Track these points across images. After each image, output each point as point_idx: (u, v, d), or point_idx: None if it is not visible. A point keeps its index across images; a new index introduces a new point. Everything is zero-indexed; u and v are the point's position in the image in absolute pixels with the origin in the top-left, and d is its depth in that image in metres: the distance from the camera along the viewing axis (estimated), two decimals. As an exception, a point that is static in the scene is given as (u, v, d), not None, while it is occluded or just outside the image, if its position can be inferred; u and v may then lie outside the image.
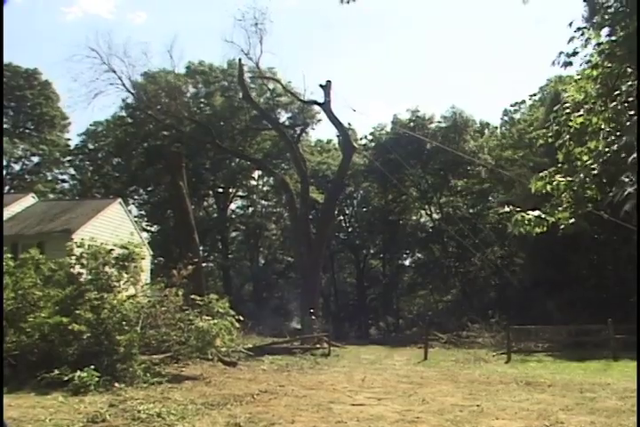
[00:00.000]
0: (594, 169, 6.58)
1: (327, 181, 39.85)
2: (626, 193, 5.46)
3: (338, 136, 45.20)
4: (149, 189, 41.33)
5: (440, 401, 8.82)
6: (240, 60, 30.06)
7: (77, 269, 12.49)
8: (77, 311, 10.75)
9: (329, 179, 40.59)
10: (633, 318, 17.73)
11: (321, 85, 29.26)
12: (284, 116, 40.94)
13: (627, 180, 5.58)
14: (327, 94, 28.88)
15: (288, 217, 38.05)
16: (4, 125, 36.22)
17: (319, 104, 30.43)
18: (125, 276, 12.47)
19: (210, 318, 12.38)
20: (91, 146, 41.99)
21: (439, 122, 37.74)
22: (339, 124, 30.03)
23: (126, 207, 27.15)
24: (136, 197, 42.43)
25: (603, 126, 6.85)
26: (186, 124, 37.91)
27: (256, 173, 43.26)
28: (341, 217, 43.21)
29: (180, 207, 18.00)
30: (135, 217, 35.46)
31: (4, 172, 37.75)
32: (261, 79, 36.31)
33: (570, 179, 6.88)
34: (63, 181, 43.68)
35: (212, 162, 39.48)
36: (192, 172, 32.64)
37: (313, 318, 20.96)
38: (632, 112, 6.14)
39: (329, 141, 46.60)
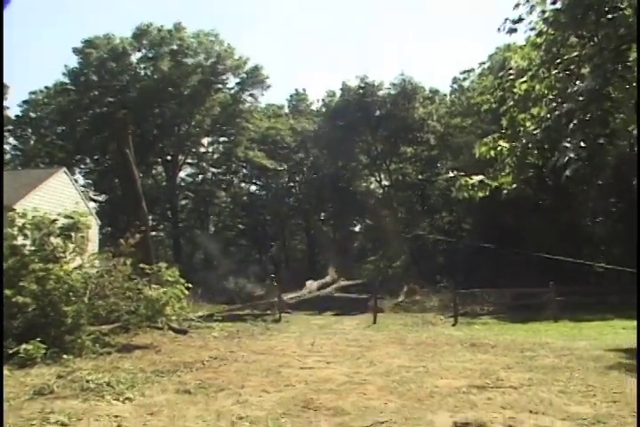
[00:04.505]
0: (536, 135, 6.70)
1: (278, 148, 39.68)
2: (567, 159, 5.58)
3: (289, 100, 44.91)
4: (96, 157, 40.18)
5: (387, 363, 9.04)
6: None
7: (20, 240, 12.10)
8: (21, 283, 10.46)
9: (280, 145, 40.32)
10: (572, 281, 18.55)
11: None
12: (232, 81, 40.27)
13: (568, 145, 5.70)
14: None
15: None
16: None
17: None
18: (71, 246, 12.15)
19: (159, 286, 12.26)
20: (33, 115, 40.35)
21: (388, 89, 37.68)
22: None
23: (72, 177, 26.38)
24: (82, 166, 41.21)
25: (546, 93, 6.96)
26: (132, 90, 36.85)
27: (205, 140, 42.60)
28: (291, 183, 43.14)
29: (127, 176, 17.49)
30: (82, 186, 34.52)
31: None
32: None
33: (513, 144, 7.00)
34: (4, 151, 42.04)
35: (159, 129, 38.54)
36: (139, 139, 31.83)
37: (275, 283, 20.90)
38: (575, 81, 6.23)
39: (281, 106, 46.15)
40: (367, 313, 19.30)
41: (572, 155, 5.66)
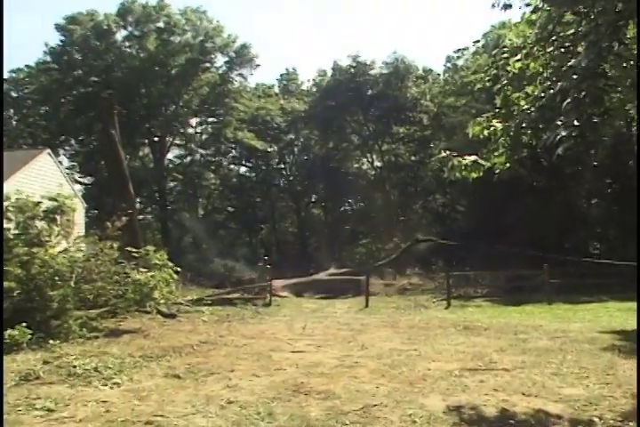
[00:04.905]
0: (530, 114, 6.67)
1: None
2: (559, 137, 5.57)
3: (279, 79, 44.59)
4: (80, 138, 39.77)
5: (379, 347, 9.10)
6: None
7: (4, 223, 12.02)
8: (6, 268, 10.41)
9: (269, 125, 40.11)
10: (566, 263, 18.64)
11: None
12: (220, 60, 39.88)
13: (559, 123, 5.68)
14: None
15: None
16: None
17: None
18: (56, 229, 12.09)
19: (147, 270, 12.24)
20: (14, 94, 39.80)
21: (381, 68, 37.47)
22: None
23: (56, 158, 26.11)
24: (67, 147, 40.75)
25: (541, 71, 6.91)
26: (117, 70, 36.39)
27: (193, 121, 42.28)
28: (282, 165, 43.00)
29: (113, 157, 17.34)
30: (66, 168, 34.25)
31: None
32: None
33: (507, 124, 6.97)
34: (-16, 132, 41.50)
35: (146, 109, 38.18)
36: (126, 120, 31.50)
37: (268, 266, 20.93)
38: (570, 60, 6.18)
39: (271, 86, 45.81)
40: (359, 296, 19.38)
41: (563, 133, 5.64)
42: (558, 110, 5.89)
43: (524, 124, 6.87)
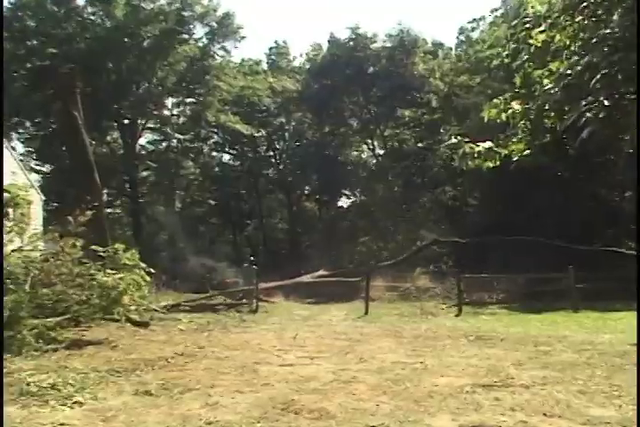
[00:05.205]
0: (554, 94, 6.65)
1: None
2: (584, 119, 5.56)
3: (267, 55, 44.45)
4: (37, 120, 39.49)
5: (380, 359, 9.09)
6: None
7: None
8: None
9: (257, 107, 40.03)
10: (596, 265, 18.66)
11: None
12: (200, 32, 39.71)
13: (584, 103, 5.67)
14: None
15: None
16: None
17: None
18: (8, 225, 12.05)
19: (115, 272, 12.21)
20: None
21: (384, 41, 37.44)
22: None
23: (8, 143, 25.97)
24: (21, 130, 40.45)
25: (568, 44, 6.89)
26: (79, 40, 36.05)
27: (169, 101, 42.12)
28: (271, 152, 42.95)
29: (76, 142, 17.28)
30: (21, 155, 34.05)
31: None
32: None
33: (527, 105, 6.96)
34: None
35: (115, 87, 37.93)
36: (90, 99, 31.31)
37: (254, 267, 20.93)
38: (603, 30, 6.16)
39: (258, 62, 45.69)
40: (358, 301, 19.41)
41: (589, 114, 5.63)
42: (586, 89, 5.89)
43: (546, 106, 6.85)
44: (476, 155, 6.94)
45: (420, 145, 39.19)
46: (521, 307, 17.85)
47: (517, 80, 7.46)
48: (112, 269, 12.23)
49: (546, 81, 7.04)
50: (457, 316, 16.65)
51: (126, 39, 36.82)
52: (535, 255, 21.54)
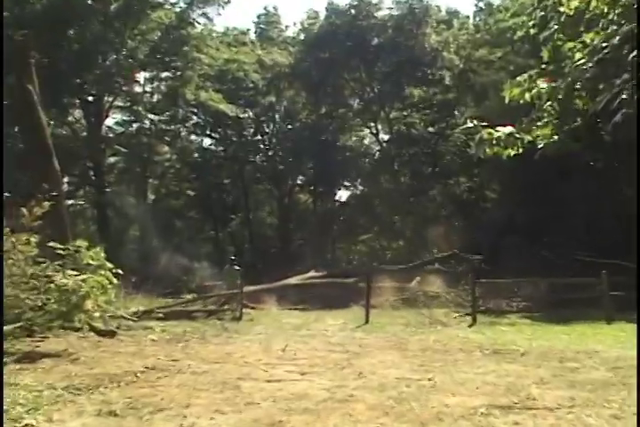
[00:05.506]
0: (588, 70, 6.62)
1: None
2: (619, 100, 5.53)
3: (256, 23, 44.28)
4: (-15, 96, 39.42)
5: (382, 375, 9.08)
6: None
7: None
8: None
9: (243, 84, 39.93)
10: (633, 269, 18.65)
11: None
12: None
13: (618, 81, 5.63)
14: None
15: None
16: None
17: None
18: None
19: (77, 273, 12.18)
20: None
21: (390, 9, 37.39)
22: None
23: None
24: (-32, 107, 40.43)
25: (605, 12, 6.83)
26: (34, 3, 35.71)
27: (141, 76, 41.95)
28: (259, 136, 42.87)
29: (31, 121, 17.23)
30: (-33, 136, 33.90)
31: None
32: None
33: (556, 84, 6.93)
34: None
35: (77, 58, 37.71)
36: (48, 72, 31.17)
37: (237, 268, 20.95)
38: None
39: (245, 32, 45.55)
40: (357, 308, 19.44)
41: (624, 95, 5.60)
42: (624, 65, 5.85)
43: (578, 85, 6.81)
44: (495, 141, 6.91)
45: (430, 129, 39.20)
46: (545, 317, 17.87)
47: (544, 54, 7.42)
48: (73, 270, 12.22)
49: (578, 55, 7.01)
50: (471, 326, 16.65)
51: (90, 1, 36.55)
52: (563, 257, 21.56)
